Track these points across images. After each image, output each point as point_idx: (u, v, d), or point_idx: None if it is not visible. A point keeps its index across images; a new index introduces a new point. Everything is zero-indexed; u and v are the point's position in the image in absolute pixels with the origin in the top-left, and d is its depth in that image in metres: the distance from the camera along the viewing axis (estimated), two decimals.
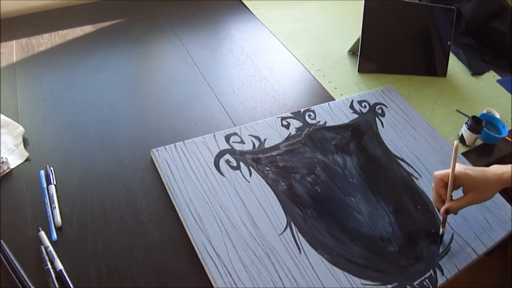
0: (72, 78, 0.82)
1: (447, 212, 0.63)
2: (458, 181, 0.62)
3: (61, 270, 0.53)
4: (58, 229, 0.57)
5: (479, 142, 0.90)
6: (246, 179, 0.67)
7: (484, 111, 0.95)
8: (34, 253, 0.54)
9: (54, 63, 0.85)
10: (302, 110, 0.81)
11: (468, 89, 1.06)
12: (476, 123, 0.85)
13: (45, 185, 0.62)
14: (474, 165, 0.81)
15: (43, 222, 0.58)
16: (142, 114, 0.78)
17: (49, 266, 0.53)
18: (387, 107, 0.88)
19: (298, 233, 0.62)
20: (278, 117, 0.79)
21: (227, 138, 0.72)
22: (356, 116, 0.84)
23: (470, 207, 0.67)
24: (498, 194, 0.74)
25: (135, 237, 0.59)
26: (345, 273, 0.59)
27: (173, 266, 0.57)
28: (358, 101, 0.88)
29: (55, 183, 0.63)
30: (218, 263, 0.56)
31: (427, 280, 0.62)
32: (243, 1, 1.17)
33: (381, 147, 0.80)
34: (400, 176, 0.76)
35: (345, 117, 0.83)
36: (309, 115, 0.81)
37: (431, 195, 0.69)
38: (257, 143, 0.72)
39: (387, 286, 0.60)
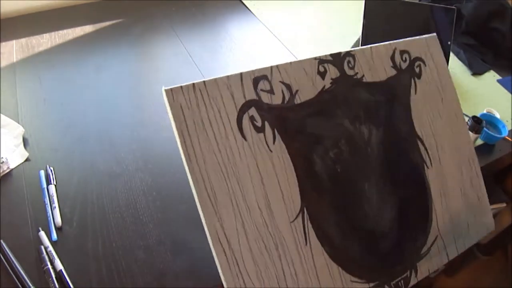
0: (72, 78, 0.82)
1: None
2: None
3: (61, 270, 0.53)
4: (58, 229, 0.57)
5: (479, 142, 0.90)
6: (268, 147, 0.59)
7: (484, 111, 0.95)
8: (34, 253, 0.54)
9: (54, 63, 0.85)
10: (342, 53, 0.71)
11: (468, 89, 1.06)
12: (476, 123, 0.85)
13: (45, 185, 0.62)
14: None
15: (43, 222, 0.58)
16: (142, 114, 0.78)
17: (49, 266, 0.53)
18: (425, 65, 0.80)
19: (308, 221, 0.59)
20: (316, 59, 0.67)
21: (256, 82, 0.61)
22: (394, 72, 0.76)
23: (461, 209, 0.69)
24: (486, 198, 0.74)
25: (135, 237, 0.59)
26: (340, 268, 0.59)
27: (173, 266, 0.57)
28: (400, 51, 0.78)
29: (55, 183, 0.63)
30: (228, 250, 0.53)
31: (402, 281, 0.61)
32: (243, 1, 1.17)
33: (408, 122, 0.74)
34: (415, 162, 0.72)
35: (383, 71, 0.74)
36: (348, 62, 0.71)
37: (435, 191, 0.68)
38: (287, 95, 0.62)
39: (370, 284, 0.59)
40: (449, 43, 1.06)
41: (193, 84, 0.55)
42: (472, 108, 0.98)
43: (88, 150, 0.69)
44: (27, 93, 0.77)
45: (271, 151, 0.59)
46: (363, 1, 0.98)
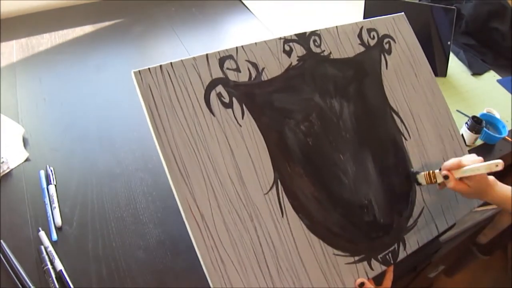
0: (72, 78, 0.82)
1: (445, 177, 0.61)
2: (473, 178, 0.60)
3: (61, 270, 0.53)
4: (58, 229, 0.57)
5: (479, 142, 0.90)
6: (237, 122, 0.59)
7: (484, 111, 0.95)
8: (34, 253, 0.54)
9: (54, 63, 0.85)
10: (307, 33, 0.71)
11: (468, 89, 1.06)
12: (476, 123, 0.85)
13: (45, 185, 0.62)
14: None
15: (43, 222, 0.58)
16: (142, 114, 0.78)
17: (49, 266, 0.53)
18: (395, 42, 0.80)
19: (283, 193, 0.59)
20: (281, 39, 0.68)
21: (221, 61, 0.62)
22: (362, 49, 0.76)
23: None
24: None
25: (135, 237, 0.59)
26: (321, 241, 0.58)
27: (173, 266, 0.57)
28: (367, 29, 0.78)
29: (55, 183, 0.63)
30: (201, 223, 0.52)
31: (390, 254, 0.61)
32: (243, 1, 1.17)
33: (380, 95, 0.74)
34: (391, 134, 0.72)
35: (351, 48, 0.75)
36: (314, 41, 0.71)
37: (414, 161, 0.69)
38: (254, 73, 0.63)
39: (355, 257, 0.59)
40: (449, 43, 1.06)
41: (160, 65, 0.57)
42: (472, 108, 0.98)
43: (88, 150, 0.69)
44: (27, 93, 0.77)
45: (240, 125, 0.59)
46: (363, 1, 0.98)
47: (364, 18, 0.98)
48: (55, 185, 0.62)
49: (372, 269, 0.59)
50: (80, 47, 0.90)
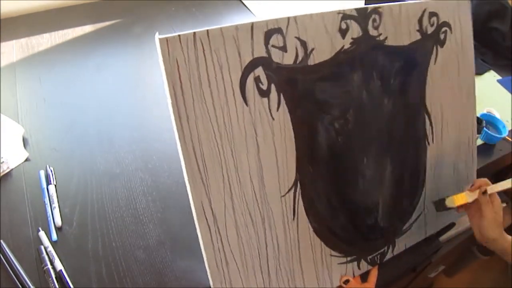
0: (72, 78, 0.82)
1: (484, 191, 0.61)
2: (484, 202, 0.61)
3: (61, 270, 0.53)
4: (58, 229, 0.57)
5: (479, 142, 0.90)
6: (271, 114, 0.52)
7: (484, 111, 0.95)
8: (34, 253, 0.54)
9: (54, 63, 0.85)
10: (369, 9, 0.62)
11: None
12: (476, 123, 0.85)
13: (45, 185, 0.62)
14: None
15: (43, 222, 0.58)
16: (142, 114, 0.78)
17: (49, 266, 0.53)
18: (451, 32, 0.74)
19: (300, 196, 0.56)
20: (339, 13, 0.59)
21: (268, 35, 0.52)
22: (418, 37, 0.68)
23: (450, 184, 0.69)
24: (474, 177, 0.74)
25: (135, 237, 0.59)
26: (322, 243, 0.58)
27: (173, 266, 0.57)
28: (430, 13, 0.69)
29: (55, 183, 0.63)
30: (212, 225, 0.49)
31: (378, 256, 0.61)
32: (243, 1, 1.17)
33: (420, 93, 0.69)
34: (418, 137, 0.68)
35: (408, 35, 0.67)
36: (373, 20, 0.63)
37: (430, 168, 0.67)
38: (301, 54, 0.55)
39: (347, 258, 0.59)
40: None
41: (194, 33, 0.45)
42: None
43: (88, 150, 0.69)
44: (27, 93, 0.77)
45: (273, 118, 0.53)
46: (363, 1, 0.98)
47: None
48: (55, 185, 0.62)
49: (359, 268, 0.59)
50: (80, 47, 0.90)
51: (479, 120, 0.85)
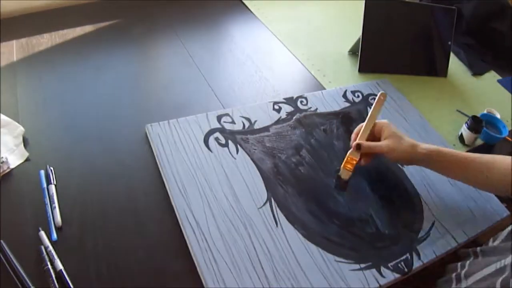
0: (72, 78, 0.82)
1: (358, 146, 0.65)
2: (378, 128, 0.67)
3: (61, 270, 0.53)
4: (58, 229, 0.57)
5: (479, 142, 0.90)
6: (232, 156, 0.70)
7: (485, 111, 0.95)
8: (34, 253, 0.54)
9: (54, 63, 0.85)
10: (294, 97, 0.84)
11: (468, 89, 1.06)
12: (476, 123, 0.85)
13: (45, 185, 0.62)
14: None
15: (43, 222, 0.58)
16: (142, 114, 0.78)
17: (49, 266, 0.53)
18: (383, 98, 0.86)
19: (277, 208, 0.64)
20: (270, 102, 0.81)
21: (219, 118, 0.76)
22: (348, 105, 0.86)
23: (454, 196, 0.72)
24: None
25: (135, 237, 0.59)
26: (319, 248, 0.60)
27: (173, 266, 0.57)
28: (351, 91, 0.89)
29: (55, 183, 0.63)
30: (196, 229, 0.59)
31: (402, 263, 0.62)
32: (244, 1, 1.17)
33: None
34: (386, 163, 0.77)
35: (337, 105, 0.85)
36: (301, 101, 0.83)
37: (414, 182, 0.73)
38: (247, 124, 0.76)
39: (361, 265, 0.60)
40: (449, 43, 1.06)
41: (168, 121, 0.73)
42: (473, 108, 0.98)
43: (88, 150, 0.69)
44: (27, 93, 0.77)
45: (235, 158, 0.70)
46: (363, 1, 0.98)
47: (364, 18, 0.97)
48: (55, 185, 0.62)
49: (383, 276, 0.60)
50: (80, 47, 0.90)
51: (479, 120, 0.86)
